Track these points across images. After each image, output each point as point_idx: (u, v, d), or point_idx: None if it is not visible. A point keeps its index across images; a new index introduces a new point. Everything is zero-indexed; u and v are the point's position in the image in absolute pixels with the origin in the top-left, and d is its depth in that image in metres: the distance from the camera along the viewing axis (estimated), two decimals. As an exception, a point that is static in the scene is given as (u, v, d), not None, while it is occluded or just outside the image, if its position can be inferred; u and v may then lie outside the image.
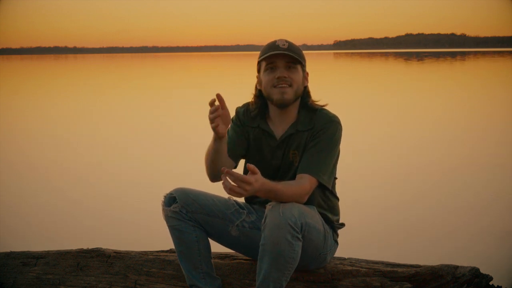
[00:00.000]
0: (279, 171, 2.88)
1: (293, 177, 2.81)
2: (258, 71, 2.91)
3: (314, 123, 2.83)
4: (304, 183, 2.72)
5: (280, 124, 2.89)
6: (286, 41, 2.83)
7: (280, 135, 2.88)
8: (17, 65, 73.87)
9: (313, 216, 2.72)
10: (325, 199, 2.88)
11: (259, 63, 2.88)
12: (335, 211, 2.95)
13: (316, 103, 2.90)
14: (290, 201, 2.64)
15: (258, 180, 2.51)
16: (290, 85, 2.80)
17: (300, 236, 2.58)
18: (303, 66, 2.87)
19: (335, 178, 2.93)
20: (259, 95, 2.92)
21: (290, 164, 2.86)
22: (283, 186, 2.65)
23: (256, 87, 2.94)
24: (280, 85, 2.79)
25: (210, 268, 2.89)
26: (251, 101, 2.95)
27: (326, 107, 2.91)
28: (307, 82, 2.91)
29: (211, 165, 2.81)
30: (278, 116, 2.89)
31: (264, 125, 2.91)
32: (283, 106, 2.83)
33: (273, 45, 2.82)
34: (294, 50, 2.81)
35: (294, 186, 2.70)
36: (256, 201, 2.98)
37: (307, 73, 2.92)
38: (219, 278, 2.93)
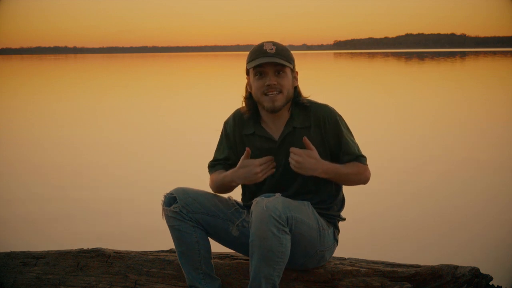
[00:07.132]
0: (284, 172, 2.84)
1: (301, 178, 2.81)
2: (247, 73, 2.87)
3: (311, 120, 2.82)
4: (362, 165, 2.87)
5: (274, 125, 2.86)
6: (274, 44, 2.78)
7: (277, 135, 2.85)
8: (17, 65, 73.82)
9: (302, 210, 2.70)
10: (335, 193, 2.88)
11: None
12: (341, 205, 2.95)
13: (305, 98, 2.88)
14: (357, 180, 2.83)
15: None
16: (280, 92, 2.76)
17: (287, 230, 2.57)
18: (293, 67, 2.83)
19: None
20: (250, 96, 2.88)
21: None
22: (346, 167, 2.81)
23: (246, 88, 2.90)
24: (270, 93, 2.75)
25: (210, 269, 2.88)
26: (242, 106, 2.92)
27: (309, 98, 2.89)
28: (297, 82, 2.87)
29: (221, 192, 2.96)
30: (271, 117, 2.85)
31: (260, 130, 2.87)
32: (274, 112, 2.81)
33: (260, 50, 2.76)
34: (282, 53, 2.77)
35: (356, 165, 2.84)
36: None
37: (297, 73, 2.88)
38: (219, 279, 2.92)
